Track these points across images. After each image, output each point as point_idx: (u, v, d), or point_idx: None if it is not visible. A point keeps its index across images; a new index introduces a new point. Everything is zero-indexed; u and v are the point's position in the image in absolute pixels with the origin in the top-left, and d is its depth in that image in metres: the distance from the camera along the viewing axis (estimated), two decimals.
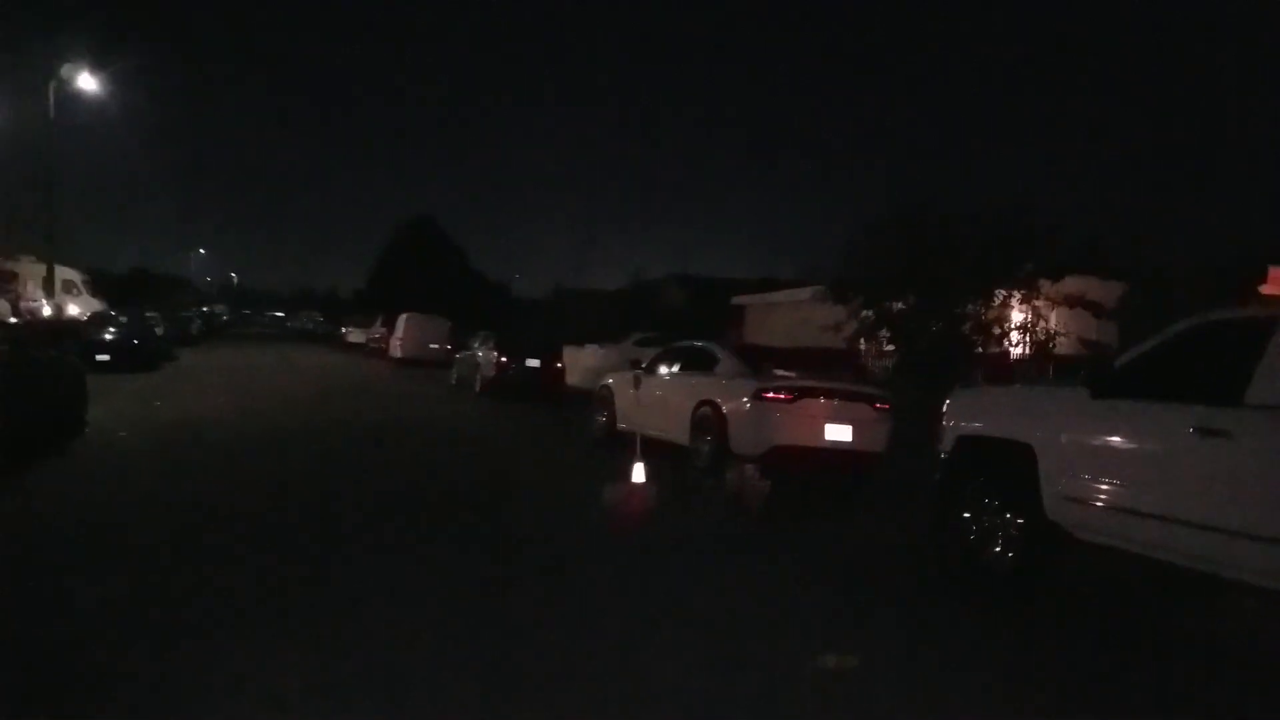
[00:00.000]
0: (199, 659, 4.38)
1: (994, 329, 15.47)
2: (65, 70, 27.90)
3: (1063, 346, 15.29)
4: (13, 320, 26.16)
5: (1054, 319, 16.25)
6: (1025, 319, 15.77)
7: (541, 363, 23.21)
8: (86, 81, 28.35)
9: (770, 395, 11.02)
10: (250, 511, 7.93)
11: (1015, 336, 15.66)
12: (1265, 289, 6.81)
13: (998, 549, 6.97)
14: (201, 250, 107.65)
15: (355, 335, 52.81)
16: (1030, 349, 15.78)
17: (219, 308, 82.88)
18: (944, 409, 7.77)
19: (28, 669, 4.21)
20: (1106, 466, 6.17)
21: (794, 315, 22.89)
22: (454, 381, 25.51)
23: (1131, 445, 6.08)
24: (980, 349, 15.65)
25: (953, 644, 5.46)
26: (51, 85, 27.78)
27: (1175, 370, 6.00)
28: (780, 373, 11.59)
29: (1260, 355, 5.27)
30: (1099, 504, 6.18)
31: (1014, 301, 15.43)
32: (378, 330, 44.59)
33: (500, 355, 22.92)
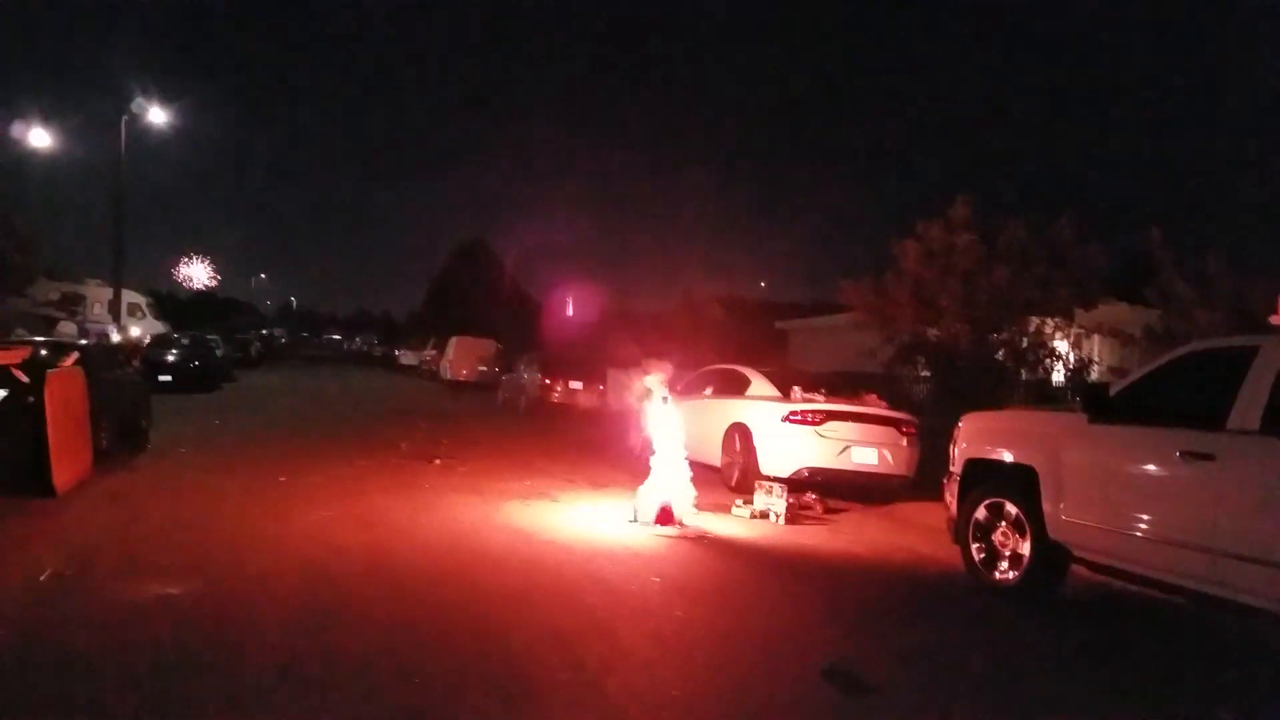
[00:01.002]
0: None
1: (1029, 356, 15.61)
2: (136, 105, 29.26)
3: (1096, 374, 15.36)
4: (82, 342, 27.31)
5: (1093, 346, 16.37)
6: (1062, 347, 15.90)
7: (584, 385, 23.73)
8: (157, 115, 29.69)
9: (797, 418, 11.36)
10: (305, 520, 8.44)
11: (1050, 363, 15.77)
12: (1276, 319, 6.92)
13: (1005, 567, 7.23)
14: (262, 275, 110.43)
15: (408, 358, 53.99)
16: (1066, 376, 15.88)
17: (278, 330, 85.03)
18: (955, 432, 8.06)
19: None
20: (1103, 488, 6.43)
21: (836, 340, 23.14)
22: (500, 403, 26.10)
23: (1125, 468, 6.34)
24: (1020, 375, 15.78)
25: (965, 660, 5.73)
26: (124, 119, 29.11)
27: (1167, 396, 6.28)
28: (808, 396, 11.89)
29: (1241, 382, 5.53)
30: (1097, 524, 6.43)
31: (1048, 328, 15.57)
32: (429, 352, 45.59)
33: (544, 378, 23.48)
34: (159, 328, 35.06)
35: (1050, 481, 6.79)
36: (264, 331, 69.36)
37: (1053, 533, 6.77)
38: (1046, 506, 6.80)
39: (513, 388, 25.44)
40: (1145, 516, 6.07)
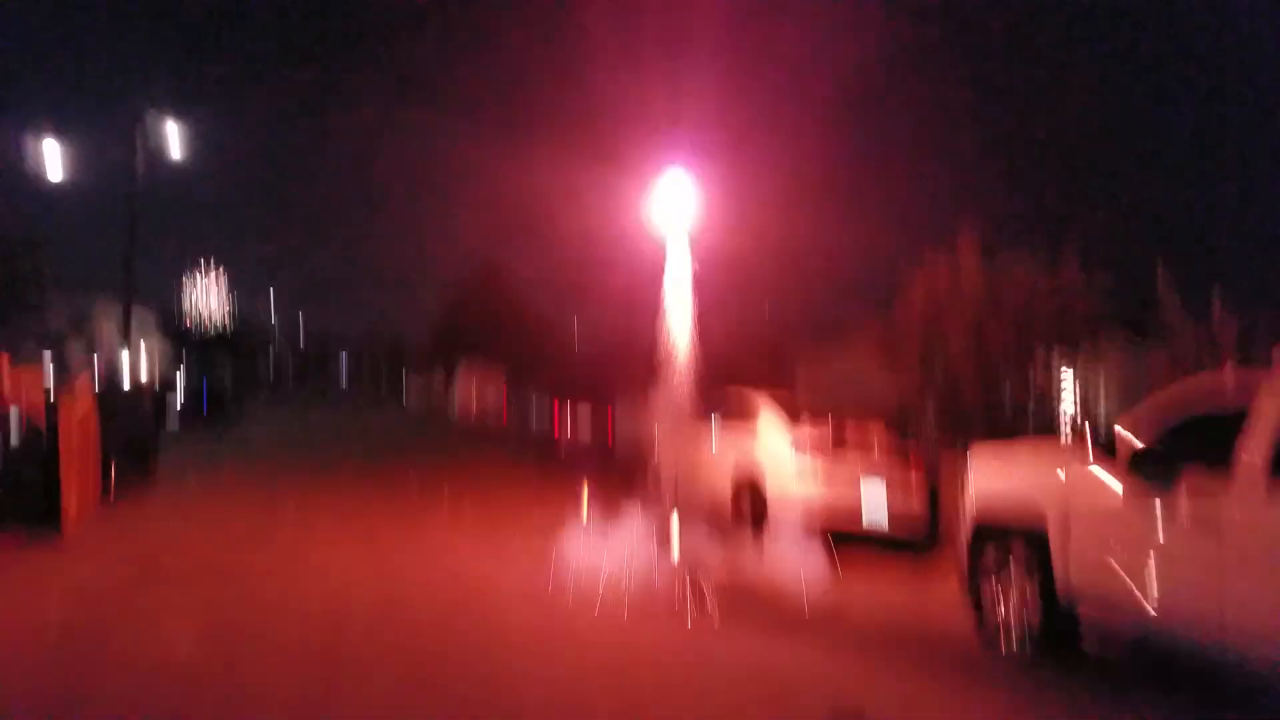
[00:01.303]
0: None
1: (1035, 389, 15.56)
2: (150, 119, 29.34)
3: (1102, 409, 15.31)
4: (93, 365, 27.39)
5: (1099, 380, 16.30)
6: (1068, 380, 15.85)
7: (594, 414, 23.79)
8: (170, 130, 29.76)
9: (805, 451, 11.36)
10: (316, 554, 8.47)
11: (1056, 396, 15.72)
12: None
13: (1014, 617, 7.11)
14: (272, 295, 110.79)
15: (417, 385, 54.16)
16: (1073, 409, 15.82)
17: (287, 353, 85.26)
18: (964, 471, 8.00)
19: None
20: (1110, 541, 6.33)
21: (845, 372, 23.18)
22: (510, 432, 26.15)
23: (1130, 518, 6.23)
24: (1028, 406, 15.74)
25: (971, 709, 5.72)
26: (138, 136, 29.21)
27: (1172, 436, 6.23)
28: (817, 429, 11.88)
29: (1248, 421, 5.52)
30: (1105, 578, 6.33)
31: (1054, 361, 15.52)
32: (438, 380, 45.76)
33: (554, 406, 23.55)
34: (168, 350, 35.20)
35: (1058, 536, 6.72)
36: (273, 355, 69.64)
37: (1061, 586, 6.69)
38: (1055, 564, 6.71)
39: (522, 417, 25.51)
40: (1151, 567, 6.00)
